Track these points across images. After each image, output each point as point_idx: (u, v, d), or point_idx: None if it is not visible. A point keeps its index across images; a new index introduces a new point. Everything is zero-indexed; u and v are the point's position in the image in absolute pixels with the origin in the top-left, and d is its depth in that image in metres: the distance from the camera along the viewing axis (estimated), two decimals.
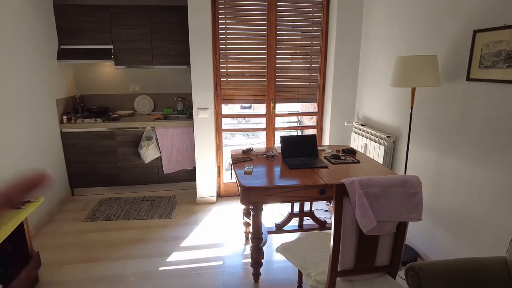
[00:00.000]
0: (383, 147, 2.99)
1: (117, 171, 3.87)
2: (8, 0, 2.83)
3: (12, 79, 2.82)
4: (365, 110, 3.52)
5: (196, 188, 3.77)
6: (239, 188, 2.14)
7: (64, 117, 3.69)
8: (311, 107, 4.24)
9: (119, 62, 3.84)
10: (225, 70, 3.61)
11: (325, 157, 2.61)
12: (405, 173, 2.58)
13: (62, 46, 3.75)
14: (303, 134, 4.92)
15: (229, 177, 4.05)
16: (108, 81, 4.22)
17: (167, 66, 3.91)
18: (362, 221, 1.44)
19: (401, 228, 1.57)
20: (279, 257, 2.67)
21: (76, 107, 4.04)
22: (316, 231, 2.19)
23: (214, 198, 3.75)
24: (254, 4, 3.51)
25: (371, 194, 1.45)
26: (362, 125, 3.45)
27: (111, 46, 3.79)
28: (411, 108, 2.47)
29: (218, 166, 3.83)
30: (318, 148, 2.84)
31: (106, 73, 4.19)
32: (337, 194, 1.46)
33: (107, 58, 3.75)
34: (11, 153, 2.76)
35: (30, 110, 3.08)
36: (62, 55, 3.73)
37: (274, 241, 2.94)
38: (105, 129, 3.73)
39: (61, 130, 3.68)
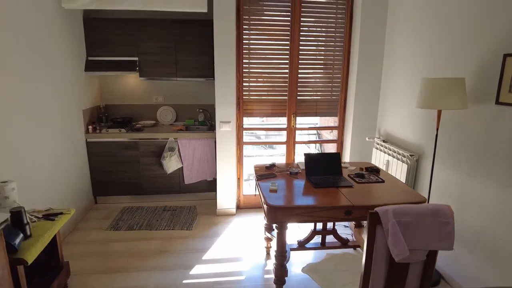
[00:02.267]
0: (406, 165, 2.98)
1: (140, 181, 3.95)
2: (43, 14, 2.95)
3: (44, 90, 2.94)
4: (387, 126, 3.51)
5: (216, 199, 3.82)
6: (265, 206, 2.17)
7: (90, 127, 3.80)
8: (331, 120, 4.25)
9: (143, 74, 3.94)
10: (247, 83, 3.67)
11: (349, 175, 2.63)
12: (429, 193, 2.57)
13: (89, 58, 3.87)
14: (326, 151, 4.93)
15: (249, 189, 4.11)
16: (132, 92, 4.33)
17: (190, 78, 4.00)
18: (394, 250, 1.45)
19: (432, 255, 1.57)
20: (300, 274, 2.68)
21: (100, 116, 4.16)
22: (342, 252, 2.20)
23: (234, 210, 3.79)
24: (278, 19, 3.56)
25: (404, 223, 1.46)
26: (384, 141, 3.44)
27: (136, 58, 3.90)
28: (437, 129, 2.47)
29: (238, 178, 3.88)
30: (341, 165, 2.85)
31: (130, 84, 4.30)
32: (370, 222, 1.48)
33: (132, 70, 3.86)
34: (40, 161, 2.86)
35: (59, 120, 3.19)
36: (90, 66, 3.85)
37: (296, 257, 2.96)
38: (129, 139, 3.82)
39: (86, 140, 3.78)
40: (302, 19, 3.56)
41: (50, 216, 2.27)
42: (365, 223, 2.98)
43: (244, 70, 3.62)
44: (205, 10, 3.36)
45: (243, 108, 3.72)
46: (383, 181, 2.54)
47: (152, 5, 3.30)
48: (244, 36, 3.54)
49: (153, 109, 4.39)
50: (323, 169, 2.59)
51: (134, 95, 4.35)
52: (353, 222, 3.19)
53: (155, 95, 4.37)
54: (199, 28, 3.88)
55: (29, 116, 2.68)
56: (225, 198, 3.76)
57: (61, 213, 2.33)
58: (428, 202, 2.48)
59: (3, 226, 1.61)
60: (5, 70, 2.40)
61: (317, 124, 4.93)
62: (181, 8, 3.34)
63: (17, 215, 1.90)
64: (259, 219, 3.66)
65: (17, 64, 2.55)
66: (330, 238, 2.94)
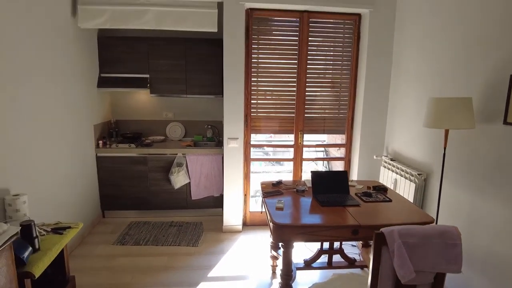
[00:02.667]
0: (414, 184, 2.95)
1: (147, 195, 3.98)
2: (61, 33, 3.07)
3: (58, 105, 3.02)
4: (395, 144, 3.51)
5: (222, 215, 3.82)
6: (271, 224, 2.17)
7: (100, 142, 3.87)
8: (338, 138, 4.26)
9: (154, 90, 4.03)
10: (255, 101, 3.72)
11: (356, 194, 2.62)
12: (437, 213, 2.53)
13: (102, 75, 3.98)
14: (333, 169, 4.92)
15: (255, 206, 4.10)
16: (143, 108, 4.42)
17: (200, 95, 4.08)
18: (400, 272, 1.43)
19: (439, 278, 1.55)
20: None
21: (111, 132, 4.24)
22: (349, 272, 2.17)
23: (240, 227, 3.78)
24: (286, 39, 3.64)
25: (410, 244, 1.45)
26: (392, 159, 3.43)
27: (147, 76, 4.00)
28: (444, 148, 2.46)
29: (245, 195, 3.88)
30: (349, 183, 2.84)
31: (141, 100, 4.40)
32: (376, 243, 1.47)
33: (143, 87, 3.95)
34: (51, 174, 2.91)
35: (71, 135, 3.27)
36: (102, 82, 3.95)
37: (302, 277, 2.92)
38: (138, 154, 3.88)
39: (96, 154, 3.85)
40: (310, 38, 3.63)
41: (58, 229, 2.30)
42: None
43: (252, 87, 3.68)
44: (215, 30, 3.47)
45: (251, 124, 3.76)
46: (390, 200, 2.52)
47: (164, 25, 3.42)
48: (252, 55, 3.61)
49: (162, 125, 4.47)
50: (330, 187, 2.59)
51: (145, 111, 4.43)
52: (361, 242, 3.15)
53: (165, 111, 4.45)
54: (209, 46, 3.98)
55: (42, 130, 2.75)
56: (232, 215, 3.76)
57: (69, 227, 2.36)
58: (436, 222, 2.45)
59: (13, 239, 1.64)
60: (24, 84, 2.49)
61: (324, 141, 4.94)
62: (193, 28, 3.45)
63: (27, 229, 1.93)
64: (265, 237, 3.64)
65: (35, 79, 2.65)
66: (337, 258, 2.90)
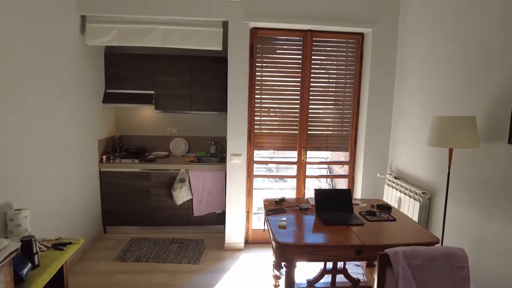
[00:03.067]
0: (418, 203, 2.92)
1: (149, 211, 3.96)
2: (70, 50, 3.14)
3: (63, 120, 3.05)
4: (398, 162, 3.49)
5: (224, 233, 3.78)
6: (274, 242, 2.14)
7: (104, 157, 3.89)
8: (342, 155, 4.25)
9: (159, 106, 4.07)
10: (259, 117, 3.74)
11: (360, 213, 2.58)
12: (442, 233, 2.49)
13: (108, 90, 4.04)
14: (337, 186, 4.89)
15: (258, 223, 4.06)
16: (147, 123, 4.45)
17: (204, 112, 4.12)
18: None
19: None
20: None
21: (115, 147, 4.26)
22: None
23: (242, 245, 3.73)
24: (289, 57, 3.69)
25: (415, 265, 1.42)
26: (395, 178, 3.40)
27: (152, 92, 4.05)
28: (449, 167, 2.44)
29: (248, 212, 3.85)
30: (352, 202, 2.82)
31: (146, 116, 4.44)
32: (380, 264, 1.44)
33: (148, 103, 3.99)
34: (54, 188, 2.91)
35: (75, 149, 3.28)
36: (107, 98, 4.00)
37: None
38: (141, 170, 3.88)
39: (100, 169, 3.86)
40: (313, 56, 3.67)
41: (59, 245, 2.27)
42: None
43: (256, 104, 3.71)
44: (220, 48, 3.52)
45: (254, 141, 3.77)
46: (394, 220, 2.49)
47: (170, 43, 3.48)
48: (256, 73, 3.66)
49: (166, 140, 4.49)
50: (334, 205, 2.56)
51: (149, 127, 4.46)
52: (365, 261, 3.09)
53: (169, 127, 4.48)
54: (213, 64, 4.04)
55: (47, 144, 2.77)
56: (234, 232, 3.72)
57: (70, 243, 2.33)
58: (442, 242, 2.40)
59: (13, 255, 1.63)
60: (31, 98, 2.53)
61: (328, 158, 4.92)
62: (198, 46, 3.51)
63: (27, 244, 1.91)
64: (267, 256, 3.58)
65: (42, 93, 2.69)
66: (340, 278, 2.84)
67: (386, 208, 2.72)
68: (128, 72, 4.02)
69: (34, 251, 1.95)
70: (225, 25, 3.52)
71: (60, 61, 2.97)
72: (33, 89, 2.57)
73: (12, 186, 2.33)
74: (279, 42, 3.70)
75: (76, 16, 3.29)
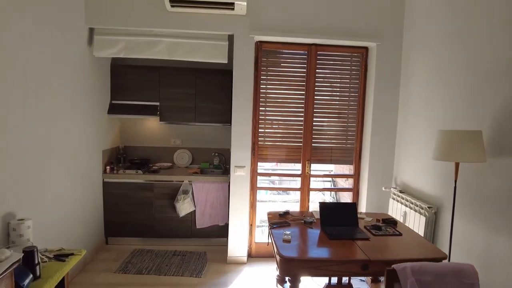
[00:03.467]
0: (424, 217, 2.88)
1: (152, 223, 3.93)
2: (77, 61, 3.18)
3: (68, 130, 3.07)
4: (403, 176, 3.46)
5: (227, 245, 3.73)
6: (278, 256, 2.11)
7: (108, 167, 3.88)
8: (346, 168, 4.23)
9: (164, 118, 4.09)
10: (263, 129, 3.75)
11: (365, 227, 2.55)
12: (449, 249, 2.44)
13: (113, 101, 4.07)
14: (341, 200, 4.85)
15: (261, 236, 4.01)
16: (151, 135, 4.47)
17: (208, 123, 4.14)
18: None
19: None
20: None
21: (119, 157, 4.27)
22: None
23: (245, 258, 3.68)
24: (294, 70, 3.71)
25: (424, 282, 1.39)
26: (400, 191, 3.37)
27: (157, 103, 4.08)
28: (455, 181, 2.41)
29: (251, 225, 3.81)
30: (357, 215, 2.79)
31: (150, 127, 4.45)
32: (387, 280, 1.41)
33: (153, 114, 4.01)
34: (57, 198, 2.90)
35: (79, 160, 3.29)
36: (113, 109, 4.03)
37: None
38: (144, 180, 3.87)
39: (103, 180, 3.85)
40: (317, 70, 3.70)
41: (61, 256, 2.26)
42: (383, 278, 2.83)
43: (260, 116, 3.72)
44: (226, 61, 3.56)
45: (258, 153, 3.76)
46: (400, 234, 2.45)
47: (176, 55, 3.52)
48: (261, 85, 3.68)
49: (170, 151, 4.49)
50: (339, 219, 2.54)
51: (153, 138, 4.48)
52: (370, 277, 3.04)
53: (173, 138, 4.49)
54: (218, 76, 4.08)
55: (51, 154, 2.78)
56: (237, 245, 3.67)
57: (72, 254, 2.31)
58: (449, 258, 2.35)
59: (15, 266, 1.61)
60: (37, 108, 2.55)
61: (332, 171, 4.90)
62: (204, 59, 3.54)
63: (29, 255, 1.90)
64: (271, 270, 3.53)
65: (48, 103, 2.71)
66: None
67: (392, 222, 2.68)
68: (133, 83, 4.06)
69: (36, 261, 1.93)
70: (230, 38, 3.56)
71: (67, 72, 3.01)
72: (39, 99, 2.60)
73: (16, 196, 2.33)
74: (284, 55, 3.73)
75: (84, 28, 3.35)
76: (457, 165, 2.39)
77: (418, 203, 2.99)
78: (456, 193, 2.46)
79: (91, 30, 3.47)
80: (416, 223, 2.98)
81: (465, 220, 2.53)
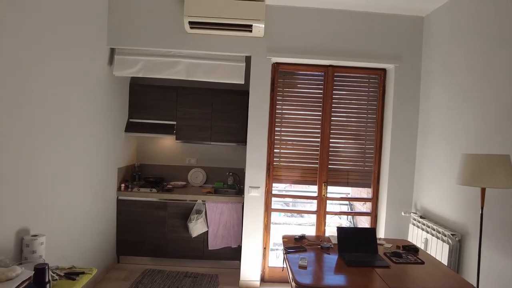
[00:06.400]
0: (448, 245, 2.73)
1: (164, 242, 3.88)
2: (97, 80, 3.26)
3: (86, 147, 3.10)
4: (424, 201, 3.32)
5: (239, 269, 3.63)
6: (293, 283, 2.02)
7: (122, 185, 3.89)
8: (364, 191, 4.11)
9: (180, 137, 4.12)
10: (278, 150, 3.71)
11: (384, 254, 2.43)
12: (477, 281, 2.29)
13: (130, 119, 4.13)
14: (358, 224, 4.71)
15: (275, 261, 3.89)
16: (167, 153, 4.49)
17: (224, 143, 4.14)
18: None
19: None
20: None
21: (134, 175, 4.28)
22: None
23: (258, 283, 3.56)
24: (310, 92, 3.70)
25: None
26: (421, 217, 3.23)
27: (174, 122, 4.11)
28: (482, 208, 2.28)
29: (264, 248, 3.71)
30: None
31: (166, 146, 4.48)
32: None
33: (170, 133, 4.05)
34: (71, 215, 2.89)
35: (95, 177, 3.31)
36: (130, 127, 4.08)
37: None
38: (158, 199, 3.85)
39: (117, 197, 3.85)
40: (334, 91, 3.67)
41: (72, 274, 2.22)
42: None
43: (275, 137, 3.69)
44: (242, 82, 3.58)
45: (273, 174, 3.71)
46: (423, 263, 2.32)
47: (194, 76, 3.57)
48: (277, 106, 3.68)
49: (185, 170, 4.49)
50: (357, 245, 2.43)
51: (168, 156, 4.49)
52: None
53: (188, 157, 4.49)
54: (234, 96, 4.11)
55: (67, 170, 2.80)
56: (249, 269, 3.57)
57: (83, 273, 2.27)
58: None
59: (25, 284, 1.59)
60: (58, 125, 2.59)
61: (349, 194, 4.77)
62: (221, 80, 3.58)
63: (40, 272, 1.87)
64: None
65: (69, 120, 2.76)
66: None
67: (413, 249, 2.56)
68: (151, 102, 4.13)
69: (47, 279, 1.90)
70: (247, 59, 3.60)
71: (87, 90, 3.08)
72: (58, 116, 2.64)
73: (30, 211, 2.34)
74: (300, 76, 3.73)
75: (105, 49, 3.45)
76: (483, 190, 2.27)
77: (440, 229, 2.85)
78: (483, 221, 2.33)
79: (112, 50, 3.57)
80: (438, 251, 2.83)
81: (492, 250, 2.38)
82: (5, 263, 1.90)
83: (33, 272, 1.73)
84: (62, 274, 2.22)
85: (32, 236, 2.24)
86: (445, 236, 2.78)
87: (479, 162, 2.17)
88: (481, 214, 2.29)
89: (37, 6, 2.32)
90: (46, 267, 1.90)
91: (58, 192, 2.67)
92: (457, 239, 2.71)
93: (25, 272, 1.62)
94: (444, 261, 2.72)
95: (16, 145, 2.18)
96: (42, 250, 2.24)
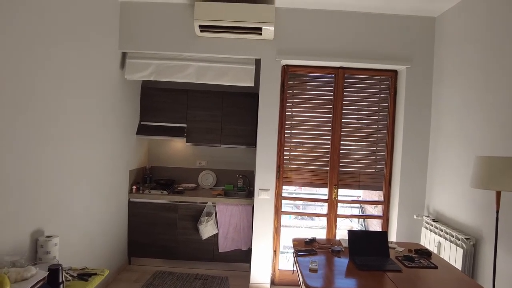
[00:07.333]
0: (462, 249, 2.67)
1: (175, 244, 3.90)
2: (109, 83, 3.32)
3: (98, 150, 3.15)
4: (437, 204, 3.27)
5: (249, 271, 3.62)
6: (303, 286, 2.00)
7: (134, 187, 3.94)
8: (375, 194, 4.06)
9: (190, 139, 4.15)
10: (288, 152, 3.70)
11: (396, 258, 2.40)
12: (493, 285, 2.24)
13: (142, 122, 4.18)
14: (370, 227, 4.66)
15: (285, 264, 3.87)
16: (177, 155, 4.53)
17: (234, 145, 4.16)
18: None
19: None
20: None
21: (145, 177, 4.33)
22: None
23: (268, 286, 3.55)
24: (320, 94, 3.69)
25: None
26: (434, 220, 3.17)
27: (185, 125, 4.15)
28: (497, 212, 2.24)
29: (274, 251, 3.70)
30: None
31: (176, 148, 4.52)
32: None
33: (181, 136, 4.08)
34: (84, 217, 2.94)
35: (106, 179, 3.35)
36: (141, 130, 4.13)
37: None
38: (169, 201, 3.88)
39: (129, 199, 3.90)
40: (345, 93, 3.65)
41: (84, 275, 2.25)
42: None
43: (285, 139, 3.68)
44: (252, 85, 3.59)
45: (283, 176, 3.70)
46: (436, 267, 2.28)
47: (205, 79, 3.60)
48: (287, 108, 3.67)
49: (195, 172, 4.51)
50: (369, 248, 2.40)
51: (179, 159, 4.53)
52: None
53: (199, 159, 4.52)
54: (244, 99, 4.12)
55: (80, 173, 2.85)
56: (260, 272, 3.56)
57: (95, 274, 2.30)
58: None
59: (40, 284, 1.62)
60: (70, 128, 2.64)
61: (360, 197, 4.72)
62: (231, 83, 3.60)
63: (54, 273, 1.90)
64: None
65: (80, 123, 2.81)
66: None
67: (425, 253, 2.51)
68: (162, 105, 4.17)
69: (60, 280, 1.93)
70: (257, 62, 3.61)
71: (99, 94, 3.13)
72: (71, 119, 2.69)
73: (44, 213, 2.38)
74: (310, 78, 3.72)
75: (117, 53, 3.51)
76: (498, 194, 2.23)
77: (454, 233, 2.80)
78: (498, 224, 2.28)
79: (124, 54, 3.62)
80: (452, 255, 2.77)
81: (508, 254, 2.32)
82: (21, 264, 1.94)
83: (47, 272, 1.76)
84: (75, 274, 2.25)
85: (46, 237, 2.28)
86: (459, 240, 2.73)
87: (494, 165, 2.12)
88: (497, 218, 2.24)
89: (54, 13, 2.37)
90: (60, 267, 1.93)
91: (71, 194, 2.72)
92: (471, 243, 2.66)
93: (39, 273, 1.65)
94: (458, 265, 2.66)
95: (32, 149, 2.23)
96: (55, 251, 2.28)
